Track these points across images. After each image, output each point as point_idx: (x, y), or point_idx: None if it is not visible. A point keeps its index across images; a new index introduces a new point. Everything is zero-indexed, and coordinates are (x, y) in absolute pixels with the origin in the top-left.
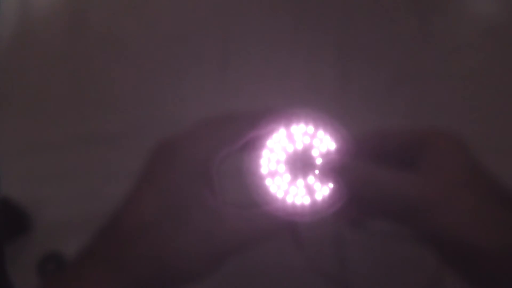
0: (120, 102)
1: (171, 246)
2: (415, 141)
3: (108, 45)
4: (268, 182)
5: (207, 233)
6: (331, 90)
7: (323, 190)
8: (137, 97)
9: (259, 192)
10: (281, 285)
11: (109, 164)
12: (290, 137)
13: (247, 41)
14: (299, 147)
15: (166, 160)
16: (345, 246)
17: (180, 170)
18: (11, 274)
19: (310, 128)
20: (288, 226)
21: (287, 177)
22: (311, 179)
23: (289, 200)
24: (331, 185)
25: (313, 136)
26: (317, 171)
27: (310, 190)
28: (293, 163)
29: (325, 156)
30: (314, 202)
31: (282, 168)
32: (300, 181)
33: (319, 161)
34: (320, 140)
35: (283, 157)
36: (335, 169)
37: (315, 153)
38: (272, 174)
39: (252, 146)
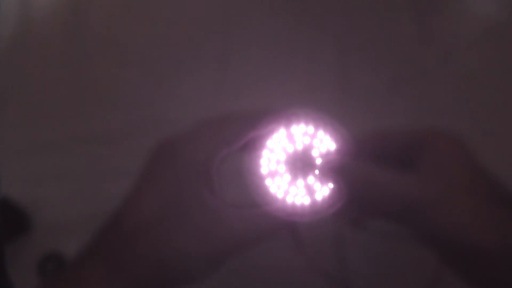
0: (120, 102)
1: (171, 246)
2: (415, 141)
3: (108, 45)
4: (268, 182)
5: (207, 233)
6: (331, 90)
7: (323, 190)
8: (137, 97)
9: (259, 192)
10: (281, 285)
11: (109, 164)
12: (290, 137)
13: (247, 41)
14: (299, 147)
15: (166, 160)
16: (345, 246)
17: (180, 170)
18: (11, 274)
19: (310, 129)
20: (288, 226)
21: (287, 177)
22: (311, 179)
23: (289, 200)
24: (331, 185)
25: (313, 136)
26: (317, 171)
27: (310, 190)
28: (293, 163)
29: (325, 156)
30: (314, 202)
31: (282, 168)
32: (300, 181)
33: (319, 161)
34: (320, 141)
35: (283, 157)
36: (335, 169)
37: (315, 153)
38: (272, 174)
39: (252, 146)
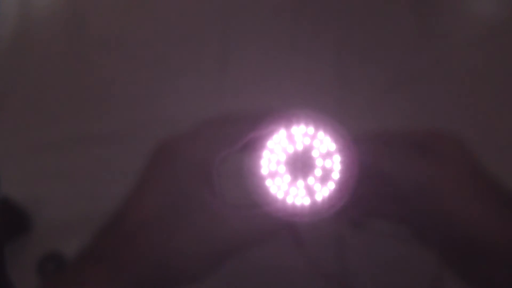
0: (120, 102)
1: (171, 246)
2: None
3: (108, 45)
4: (268, 183)
5: (207, 233)
6: (331, 91)
7: (323, 191)
8: (137, 97)
9: (259, 193)
10: (281, 285)
11: (108, 164)
12: (291, 138)
13: (246, 41)
14: (300, 148)
15: (166, 161)
16: (345, 246)
17: (180, 170)
18: (11, 274)
19: (310, 129)
20: (288, 227)
21: (287, 178)
22: (311, 180)
23: (289, 201)
24: (331, 186)
25: (313, 137)
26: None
27: (310, 191)
28: (293, 164)
29: (326, 157)
30: (314, 203)
31: (282, 169)
32: (300, 182)
33: (319, 162)
34: (320, 141)
35: (283, 158)
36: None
37: (315, 154)
38: (272, 175)
39: (252, 146)
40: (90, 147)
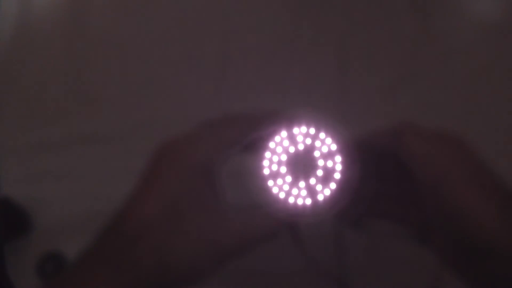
0: (120, 102)
1: (172, 247)
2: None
3: (108, 45)
4: (270, 183)
5: (209, 234)
6: (331, 91)
7: (325, 191)
8: (137, 97)
9: (261, 193)
10: (281, 285)
11: (109, 164)
12: (292, 139)
13: (246, 42)
14: (301, 148)
15: (167, 161)
16: (345, 246)
17: (181, 171)
18: (11, 274)
19: (312, 130)
20: (289, 227)
21: (289, 178)
22: (312, 180)
23: (291, 201)
24: (333, 186)
25: (314, 137)
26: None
27: (312, 191)
28: (295, 165)
29: (327, 157)
30: (315, 203)
31: (284, 169)
32: (301, 182)
33: (321, 162)
34: (321, 142)
35: (284, 158)
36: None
37: (316, 154)
38: (274, 175)
39: (253, 147)
40: (90, 147)
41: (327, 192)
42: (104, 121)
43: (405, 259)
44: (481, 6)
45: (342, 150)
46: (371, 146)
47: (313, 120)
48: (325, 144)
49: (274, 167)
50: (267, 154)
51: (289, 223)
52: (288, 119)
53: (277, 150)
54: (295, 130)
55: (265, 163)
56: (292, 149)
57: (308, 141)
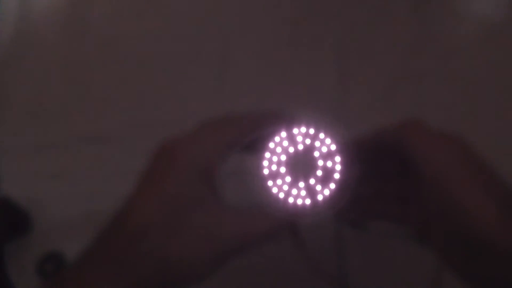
0: (121, 102)
1: (172, 247)
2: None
3: (108, 46)
4: (269, 183)
5: (209, 234)
6: (331, 91)
7: (324, 192)
8: (137, 98)
9: (261, 194)
10: (281, 285)
11: (109, 164)
12: (291, 139)
13: (246, 42)
14: (300, 148)
15: (168, 161)
16: (345, 246)
17: (181, 171)
18: (11, 274)
19: (311, 130)
20: (289, 227)
21: (288, 178)
22: (312, 180)
23: (290, 201)
24: (332, 186)
25: (314, 137)
26: (320, 172)
27: (311, 192)
28: (294, 165)
29: (327, 157)
30: (315, 204)
31: (283, 169)
32: (301, 183)
33: (320, 162)
34: (321, 142)
35: (284, 158)
36: None
37: (316, 154)
38: (274, 175)
39: (253, 147)
40: (90, 147)
41: (327, 192)
42: (104, 121)
43: (405, 259)
44: (481, 6)
45: (341, 150)
46: (373, 144)
47: (313, 120)
48: (325, 145)
49: (274, 167)
50: (267, 154)
51: (288, 223)
52: (287, 119)
53: (277, 150)
54: (295, 131)
55: (265, 163)
56: (291, 150)
57: (308, 141)
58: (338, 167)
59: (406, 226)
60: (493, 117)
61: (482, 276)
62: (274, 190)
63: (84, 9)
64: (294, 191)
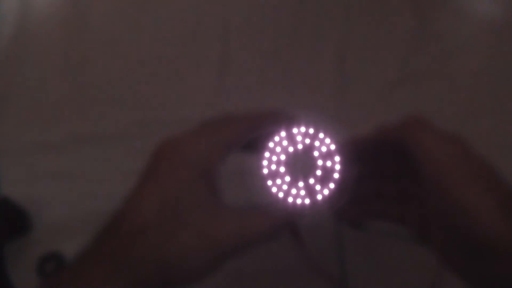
0: (121, 102)
1: (171, 246)
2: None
3: (108, 46)
4: (269, 183)
5: (208, 233)
6: (331, 91)
7: (324, 191)
8: (137, 97)
9: (260, 193)
10: (281, 285)
11: (109, 164)
12: (291, 138)
13: (246, 42)
14: (300, 148)
15: (167, 161)
16: (345, 246)
17: (181, 170)
18: (11, 274)
19: (311, 129)
20: (288, 227)
21: (288, 178)
22: (311, 180)
23: (290, 201)
24: (331, 186)
25: (313, 137)
26: (319, 172)
27: (311, 191)
28: (294, 164)
29: (326, 157)
30: (314, 203)
31: (283, 169)
32: (300, 182)
33: (320, 162)
34: (320, 141)
35: (283, 158)
36: None
37: (315, 154)
38: (273, 175)
39: (253, 147)
40: (90, 147)
41: (326, 192)
42: (104, 121)
43: (405, 259)
44: (481, 6)
45: (340, 149)
46: (374, 142)
47: (312, 120)
48: (324, 144)
49: (273, 167)
50: (266, 154)
51: (288, 223)
52: (287, 119)
53: (276, 150)
54: (294, 130)
55: (264, 162)
56: (291, 149)
57: (307, 141)
58: (337, 167)
59: (406, 226)
60: (493, 117)
61: (482, 275)
62: (274, 189)
63: (84, 9)
64: (294, 191)
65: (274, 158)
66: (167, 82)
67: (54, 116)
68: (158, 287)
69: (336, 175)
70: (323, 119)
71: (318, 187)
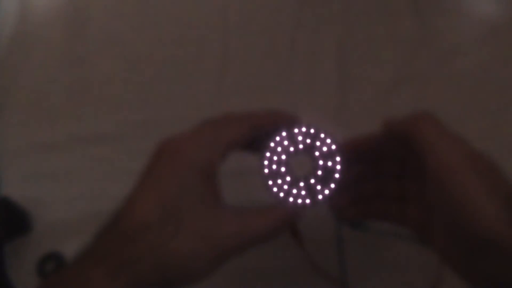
0: (120, 102)
1: (171, 245)
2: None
3: (108, 46)
4: (269, 182)
5: (208, 233)
6: (332, 91)
7: (324, 191)
8: (137, 97)
9: (260, 193)
10: (281, 285)
11: (109, 164)
12: (292, 138)
13: (247, 42)
14: (301, 148)
15: (167, 160)
16: (345, 246)
17: (181, 170)
18: (11, 274)
19: (312, 130)
20: (288, 227)
21: (289, 178)
22: (312, 180)
23: (290, 200)
24: (332, 185)
25: (314, 137)
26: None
27: (311, 191)
28: (295, 164)
29: (327, 157)
30: (314, 203)
31: (284, 169)
32: (301, 182)
33: (320, 162)
34: (321, 142)
35: (284, 158)
36: None
37: (316, 154)
38: (274, 175)
39: (254, 146)
40: (90, 147)
41: (327, 192)
42: (104, 121)
43: (405, 259)
44: (480, 6)
45: (341, 149)
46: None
47: (313, 120)
48: (325, 144)
49: (274, 167)
50: (267, 154)
51: (288, 223)
52: (288, 119)
53: (277, 149)
54: (295, 130)
55: (265, 162)
56: (292, 149)
57: (308, 141)
58: (338, 167)
59: (407, 226)
60: (493, 117)
61: (484, 275)
62: (274, 189)
63: (84, 9)
64: (294, 191)
65: (275, 158)
66: (167, 82)
67: (54, 116)
68: (158, 287)
69: (336, 175)
70: (324, 119)
71: (318, 187)
